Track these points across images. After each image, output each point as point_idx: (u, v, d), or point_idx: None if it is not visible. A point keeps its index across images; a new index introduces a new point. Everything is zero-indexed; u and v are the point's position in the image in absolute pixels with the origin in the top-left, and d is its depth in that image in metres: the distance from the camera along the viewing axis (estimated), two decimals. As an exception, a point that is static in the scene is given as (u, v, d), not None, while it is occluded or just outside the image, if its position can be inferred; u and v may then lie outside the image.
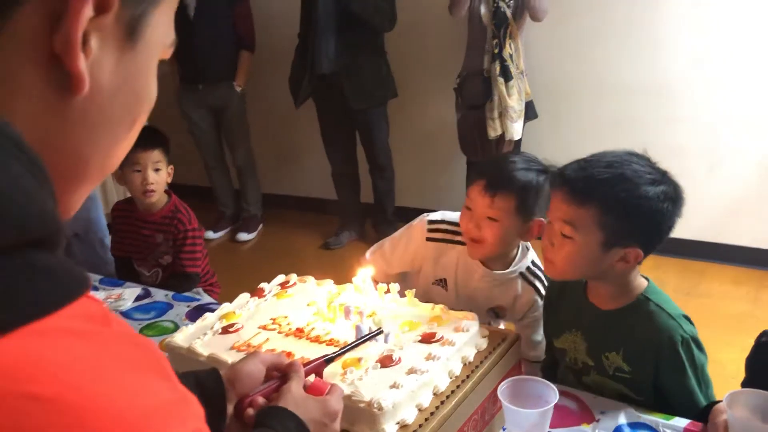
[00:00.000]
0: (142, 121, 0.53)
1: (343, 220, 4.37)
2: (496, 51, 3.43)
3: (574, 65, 3.81)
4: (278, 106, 4.43)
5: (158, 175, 2.38)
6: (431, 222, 1.79)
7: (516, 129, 3.53)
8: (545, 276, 1.70)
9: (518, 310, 1.75)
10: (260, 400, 0.94)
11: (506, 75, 3.44)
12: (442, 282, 1.77)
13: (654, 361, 1.38)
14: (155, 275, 2.50)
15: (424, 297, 1.51)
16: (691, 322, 1.39)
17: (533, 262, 1.74)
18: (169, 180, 2.46)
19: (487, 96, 3.50)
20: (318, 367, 1.04)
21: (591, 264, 1.36)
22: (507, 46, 3.44)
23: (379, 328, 1.21)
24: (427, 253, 1.78)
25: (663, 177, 1.33)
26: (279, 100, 4.29)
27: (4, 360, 0.36)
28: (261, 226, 4.66)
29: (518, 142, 3.70)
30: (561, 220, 1.35)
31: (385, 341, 1.25)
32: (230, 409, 0.94)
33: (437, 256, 1.76)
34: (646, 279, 1.44)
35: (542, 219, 1.60)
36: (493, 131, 3.53)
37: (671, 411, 1.34)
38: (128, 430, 0.39)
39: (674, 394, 1.38)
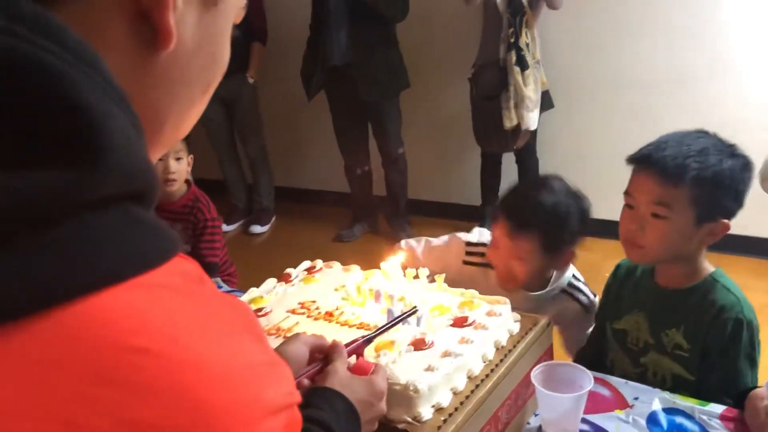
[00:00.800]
0: (214, 85, 0.53)
1: (356, 213, 4.35)
2: (512, 40, 3.40)
3: (590, 55, 3.77)
4: (290, 98, 4.41)
5: (179, 164, 2.38)
6: (469, 245, 1.73)
7: (532, 119, 3.51)
8: (587, 287, 1.68)
9: (565, 322, 1.71)
10: (305, 381, 0.92)
11: (522, 64, 3.41)
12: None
13: (708, 335, 1.38)
14: None
15: None
16: (753, 312, 1.40)
17: (574, 276, 1.70)
18: (189, 169, 2.46)
19: (502, 86, 3.47)
20: (359, 347, 1.02)
21: (685, 241, 1.37)
22: (523, 35, 3.41)
23: (414, 307, 1.19)
24: (462, 275, 1.68)
25: (735, 149, 1.37)
26: (291, 93, 4.27)
27: (113, 312, 0.37)
28: (274, 218, 4.65)
29: (534, 133, 3.68)
30: (652, 202, 1.36)
31: (417, 325, 1.23)
32: None
33: (472, 278, 1.66)
34: (715, 267, 1.45)
35: (573, 250, 1.58)
36: (509, 121, 3.50)
37: (714, 394, 1.32)
38: (231, 387, 0.39)
39: (718, 369, 1.37)
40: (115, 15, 0.43)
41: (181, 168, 2.39)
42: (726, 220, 1.36)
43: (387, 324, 1.11)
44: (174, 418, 0.36)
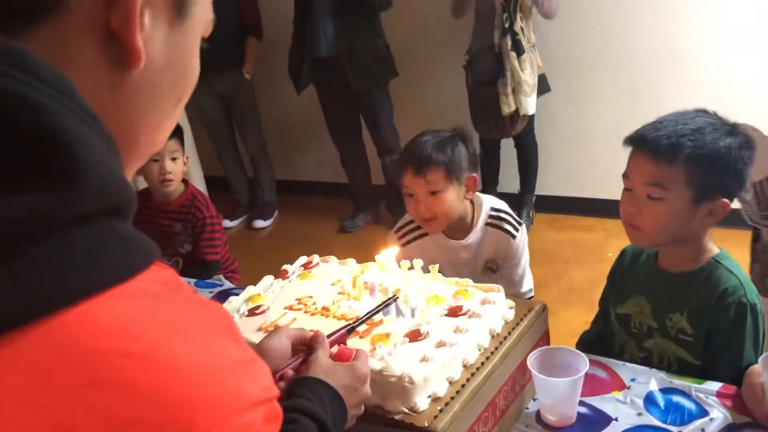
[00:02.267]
0: (186, 98, 0.56)
1: (357, 203, 4.36)
2: (507, 25, 3.39)
3: (586, 36, 3.74)
4: (284, 92, 4.41)
5: (175, 164, 2.40)
6: (396, 231, 1.89)
7: (530, 103, 3.51)
8: (511, 215, 1.85)
9: (504, 256, 1.84)
10: (290, 373, 0.95)
11: (518, 49, 3.40)
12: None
13: (711, 319, 1.38)
14: (175, 264, 2.51)
15: None
16: (757, 295, 1.40)
17: (491, 208, 1.84)
18: (185, 169, 2.48)
19: (499, 72, 3.45)
20: (341, 337, 1.05)
21: (682, 223, 1.37)
22: (518, 19, 3.39)
23: (394, 294, 1.23)
24: (414, 254, 1.74)
25: (735, 128, 1.36)
26: (285, 87, 4.28)
27: (97, 319, 0.40)
28: (276, 212, 4.66)
29: (532, 117, 3.67)
30: (647, 183, 1.36)
31: (413, 316, 1.25)
32: None
33: (421, 252, 1.76)
34: (719, 248, 1.45)
35: (474, 174, 1.78)
36: (507, 107, 3.49)
37: (719, 380, 1.32)
38: (210, 384, 0.42)
39: (724, 354, 1.37)
40: (84, 37, 0.46)
41: (176, 168, 2.40)
42: (726, 200, 1.35)
43: (367, 314, 1.14)
44: (157, 416, 0.39)
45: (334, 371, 0.93)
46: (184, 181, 2.51)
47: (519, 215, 3.92)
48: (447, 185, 1.72)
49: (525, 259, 1.89)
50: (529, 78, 3.44)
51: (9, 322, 0.37)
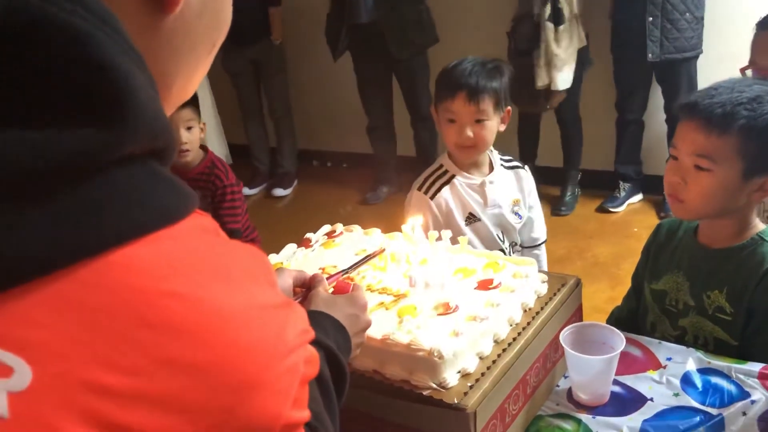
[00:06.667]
0: (219, 45, 0.55)
1: (380, 174, 4.30)
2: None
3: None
4: (316, 59, 4.35)
5: (191, 133, 2.36)
6: (419, 188, 1.84)
7: (562, 78, 3.38)
8: (507, 154, 1.90)
9: (528, 191, 1.90)
10: None
11: (558, 19, 3.27)
12: (473, 217, 1.81)
13: (753, 298, 1.31)
14: None
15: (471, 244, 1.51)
16: None
17: (498, 153, 1.89)
18: (203, 135, 2.43)
19: (536, 42, 3.34)
20: (336, 279, 1.10)
21: (730, 197, 1.29)
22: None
23: (382, 248, 1.29)
24: (444, 207, 1.81)
25: None
26: (317, 54, 4.21)
27: (145, 260, 0.40)
28: (296, 182, 4.64)
29: (576, 90, 3.54)
30: (695, 154, 1.28)
31: (441, 289, 1.20)
32: None
33: (452, 198, 1.81)
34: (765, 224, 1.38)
35: (509, 107, 1.80)
36: (540, 80, 3.38)
37: (758, 361, 1.26)
38: (253, 327, 0.43)
39: (765, 334, 1.31)
40: None
41: (193, 137, 2.36)
42: None
43: (359, 261, 1.23)
44: (209, 359, 0.40)
45: (335, 302, 0.96)
46: (204, 148, 2.47)
47: (563, 191, 3.86)
48: (493, 114, 1.75)
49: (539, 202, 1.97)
50: (561, 52, 3.32)
51: (60, 260, 0.37)
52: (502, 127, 1.81)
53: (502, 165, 1.87)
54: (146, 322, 0.39)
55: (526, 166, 1.93)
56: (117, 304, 0.38)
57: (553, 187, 3.94)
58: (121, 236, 0.39)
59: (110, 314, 0.38)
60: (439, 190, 1.81)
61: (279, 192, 4.55)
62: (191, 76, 0.53)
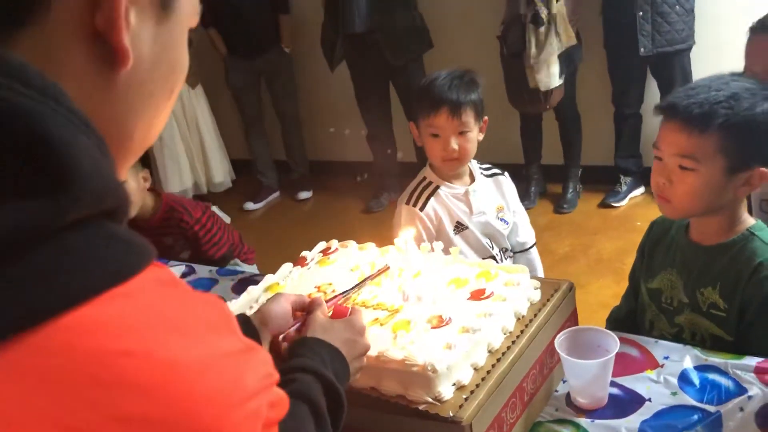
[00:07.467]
0: (177, 91, 0.55)
1: (382, 182, 4.32)
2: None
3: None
4: (317, 69, 4.38)
5: (127, 186, 2.28)
6: (407, 202, 1.86)
7: (548, 78, 3.39)
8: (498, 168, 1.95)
9: (510, 196, 1.94)
10: (293, 334, 1.00)
11: (537, 20, 3.30)
12: (461, 226, 1.83)
13: (745, 293, 1.32)
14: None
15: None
16: None
17: (477, 162, 1.92)
18: (147, 185, 2.31)
19: (524, 43, 3.37)
20: (335, 303, 1.11)
21: (716, 194, 1.31)
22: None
23: (386, 265, 1.28)
24: (433, 217, 1.84)
25: None
26: (318, 64, 4.24)
27: (97, 321, 0.40)
28: (312, 190, 4.72)
29: (572, 87, 3.57)
30: (678, 155, 1.30)
31: (434, 302, 1.21)
32: (266, 347, 1.00)
33: (440, 208, 1.84)
34: (755, 219, 1.39)
35: (486, 117, 1.85)
36: (533, 81, 3.40)
37: (751, 353, 1.27)
38: (210, 377, 0.43)
39: (758, 329, 1.31)
40: (69, 39, 0.45)
41: (130, 189, 2.24)
42: (764, 168, 1.28)
43: (363, 280, 1.23)
44: (162, 411, 0.40)
45: (332, 327, 0.97)
46: (158, 195, 2.38)
47: (564, 189, 3.87)
48: (474, 125, 1.80)
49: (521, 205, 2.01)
50: (545, 52, 3.34)
51: (9, 329, 0.38)
52: (481, 137, 1.86)
53: (482, 173, 1.91)
54: (99, 381, 0.39)
55: (506, 172, 1.98)
56: (69, 367, 0.39)
57: (555, 185, 3.95)
58: (71, 299, 0.40)
59: (62, 377, 0.38)
60: (426, 201, 1.85)
61: (304, 195, 4.66)
62: (152, 123, 0.54)
